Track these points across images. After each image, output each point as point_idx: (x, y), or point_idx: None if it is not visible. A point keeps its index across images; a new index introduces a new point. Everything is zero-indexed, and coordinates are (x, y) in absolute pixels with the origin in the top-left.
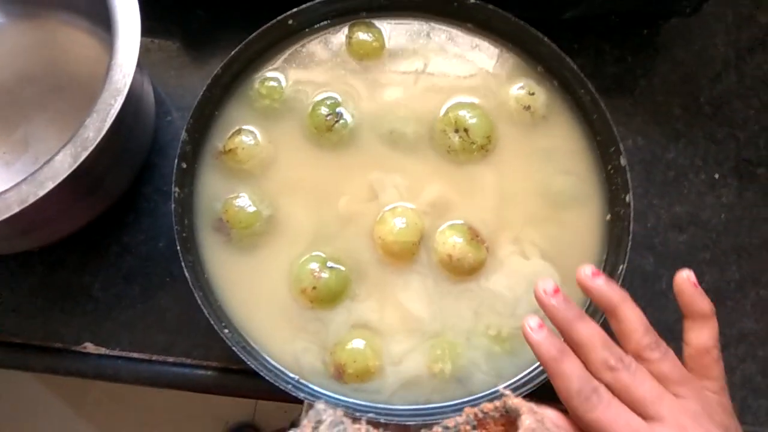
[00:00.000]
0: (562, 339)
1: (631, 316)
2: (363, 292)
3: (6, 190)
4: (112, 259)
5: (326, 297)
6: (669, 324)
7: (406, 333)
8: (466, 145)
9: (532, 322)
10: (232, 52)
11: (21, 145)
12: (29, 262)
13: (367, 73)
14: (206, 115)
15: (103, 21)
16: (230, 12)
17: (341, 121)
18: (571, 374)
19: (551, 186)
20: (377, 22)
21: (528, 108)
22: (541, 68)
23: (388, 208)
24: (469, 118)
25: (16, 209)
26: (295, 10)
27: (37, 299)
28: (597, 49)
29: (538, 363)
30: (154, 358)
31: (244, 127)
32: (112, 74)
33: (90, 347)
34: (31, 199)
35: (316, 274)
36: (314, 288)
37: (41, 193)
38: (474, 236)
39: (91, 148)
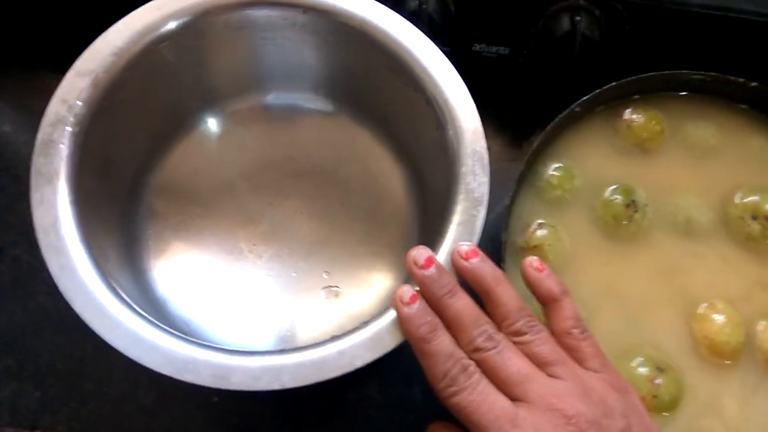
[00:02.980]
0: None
1: (505, 299)
2: (691, 396)
3: (373, 320)
4: (391, 358)
5: (666, 405)
6: None
7: None
8: (767, 232)
9: (404, 295)
10: (533, 145)
11: (270, 235)
12: None
13: (648, 157)
14: (508, 211)
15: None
16: None
17: (639, 211)
18: (438, 354)
19: None
20: (651, 106)
21: None
22: None
23: (705, 304)
24: (765, 203)
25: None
26: (584, 99)
27: (314, 404)
28: None
29: None
30: None
31: (542, 221)
32: (468, 182)
33: None
34: None
35: (654, 381)
36: (654, 396)
37: None
38: None
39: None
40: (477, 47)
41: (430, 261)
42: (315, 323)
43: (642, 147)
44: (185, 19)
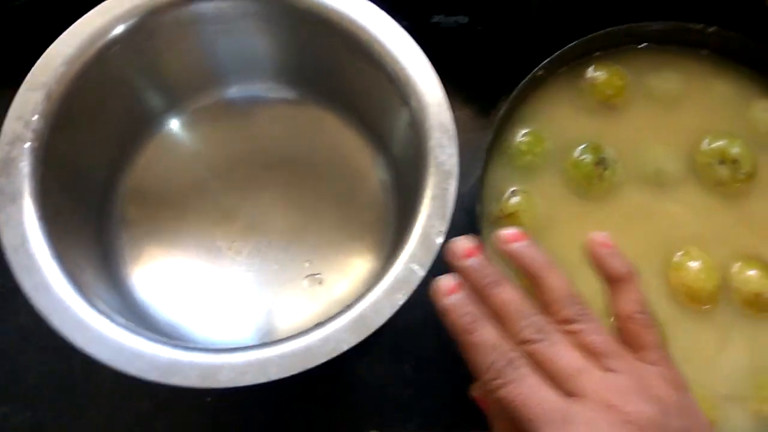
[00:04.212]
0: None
1: (554, 284)
2: (673, 344)
3: (354, 304)
4: (377, 337)
5: None
6: None
7: (724, 378)
8: (736, 176)
9: (444, 285)
10: (500, 113)
11: (247, 230)
12: None
13: (615, 113)
14: (481, 182)
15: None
16: None
17: (609, 168)
18: (482, 345)
19: None
20: (613, 62)
21: None
22: None
23: (680, 252)
24: (732, 147)
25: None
26: (545, 61)
27: (307, 396)
28: None
29: None
30: None
31: (515, 187)
32: (436, 155)
33: None
34: (387, 314)
35: None
36: None
37: (399, 303)
38: None
39: (440, 240)
40: (436, 18)
41: (473, 251)
42: (301, 313)
43: (607, 104)
44: (133, 20)
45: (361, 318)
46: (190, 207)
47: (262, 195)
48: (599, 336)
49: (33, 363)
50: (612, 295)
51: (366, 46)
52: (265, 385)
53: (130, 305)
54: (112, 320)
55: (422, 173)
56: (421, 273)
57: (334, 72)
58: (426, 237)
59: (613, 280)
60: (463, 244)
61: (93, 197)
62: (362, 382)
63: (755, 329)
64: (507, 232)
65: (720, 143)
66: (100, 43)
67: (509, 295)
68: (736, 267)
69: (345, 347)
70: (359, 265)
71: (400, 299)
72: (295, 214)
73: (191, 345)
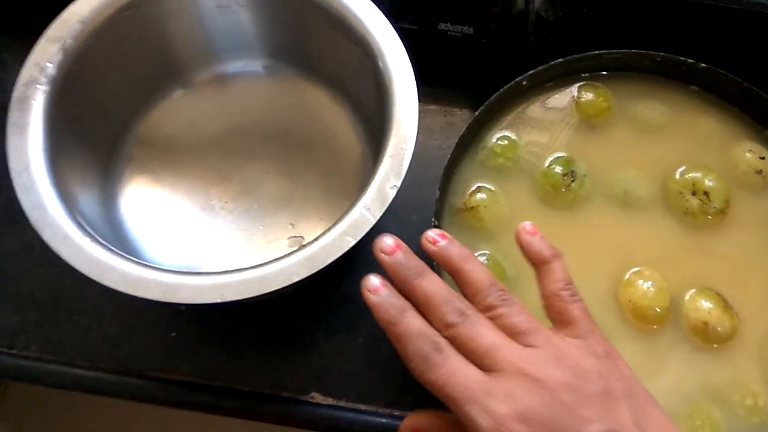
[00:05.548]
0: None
1: (475, 276)
2: None
3: (310, 243)
4: (334, 309)
5: None
6: None
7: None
8: (705, 208)
9: (371, 283)
10: (476, 113)
11: (240, 194)
12: (250, 310)
13: (595, 133)
14: (448, 173)
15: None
16: None
17: (577, 180)
18: (408, 335)
19: None
20: (601, 83)
21: (759, 172)
22: None
23: (633, 270)
24: (707, 181)
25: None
26: (530, 73)
27: (261, 347)
28: None
29: None
30: (380, 410)
31: (482, 184)
32: (399, 120)
33: (317, 397)
34: (337, 253)
35: None
36: None
37: (348, 246)
38: (725, 303)
39: (393, 192)
40: (442, 26)
41: (396, 247)
42: None
43: (589, 122)
44: None
45: (313, 255)
46: (190, 165)
47: (256, 163)
48: (519, 317)
49: (29, 274)
50: (539, 278)
51: (344, 19)
52: (224, 329)
53: (119, 234)
54: (94, 239)
55: (385, 135)
56: (371, 219)
57: (323, 50)
58: (381, 189)
59: (538, 264)
60: (387, 240)
61: (101, 136)
62: (315, 346)
63: (695, 357)
64: (430, 233)
65: (694, 174)
66: (113, 7)
67: (432, 283)
68: (690, 294)
69: (295, 279)
70: None
71: (351, 242)
72: (284, 183)
73: (158, 266)
